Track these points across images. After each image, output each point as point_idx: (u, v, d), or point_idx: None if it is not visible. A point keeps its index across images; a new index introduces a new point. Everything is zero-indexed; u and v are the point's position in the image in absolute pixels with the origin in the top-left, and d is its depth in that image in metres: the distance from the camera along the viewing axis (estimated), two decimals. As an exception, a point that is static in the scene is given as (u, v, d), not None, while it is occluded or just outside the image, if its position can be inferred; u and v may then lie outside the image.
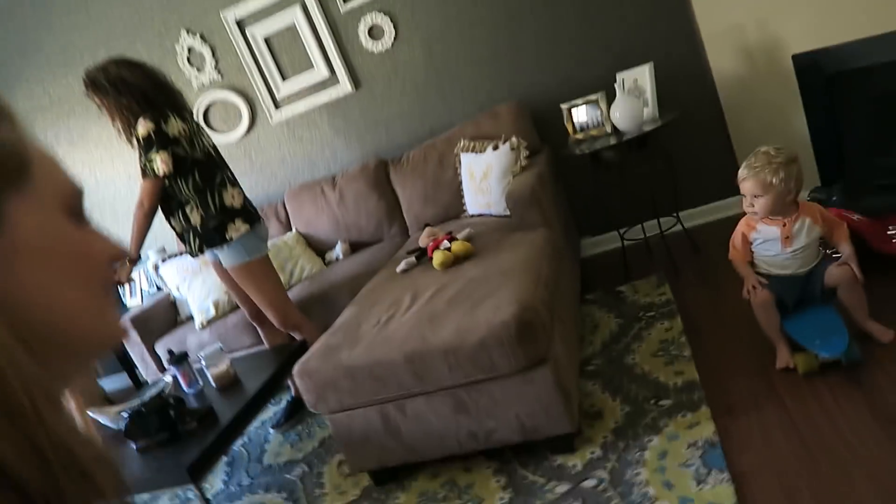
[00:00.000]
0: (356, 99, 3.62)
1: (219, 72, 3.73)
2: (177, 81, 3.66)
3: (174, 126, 2.43)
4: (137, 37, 3.73)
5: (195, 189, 2.49)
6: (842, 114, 2.69)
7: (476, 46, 3.38)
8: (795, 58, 2.70)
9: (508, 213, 2.67)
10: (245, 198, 2.64)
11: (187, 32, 3.67)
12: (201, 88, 3.78)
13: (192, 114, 2.62)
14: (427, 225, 2.95)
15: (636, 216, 3.35)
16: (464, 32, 3.37)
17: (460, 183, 3.18)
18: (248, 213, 2.61)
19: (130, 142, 2.47)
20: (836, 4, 2.61)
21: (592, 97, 3.04)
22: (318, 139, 3.75)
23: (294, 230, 3.58)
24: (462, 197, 3.18)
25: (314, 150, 3.79)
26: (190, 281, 3.38)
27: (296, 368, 2.09)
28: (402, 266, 2.62)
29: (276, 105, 3.71)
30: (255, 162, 3.88)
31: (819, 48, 2.60)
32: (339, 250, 3.44)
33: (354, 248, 3.49)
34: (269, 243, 3.08)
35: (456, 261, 2.45)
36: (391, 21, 3.42)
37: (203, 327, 3.22)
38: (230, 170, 2.67)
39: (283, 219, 3.66)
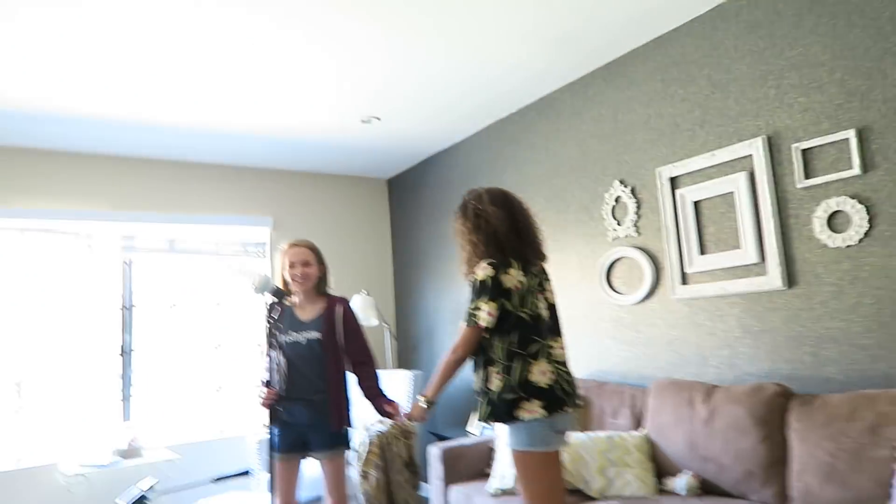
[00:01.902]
0: (785, 298, 2.69)
1: (636, 228, 3.36)
2: (594, 228, 3.57)
3: (512, 278, 2.19)
4: (576, 177, 3.72)
5: (505, 352, 2.18)
6: None
7: None
8: None
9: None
10: (559, 378, 2.18)
11: (620, 183, 3.44)
12: (615, 241, 3.47)
13: (541, 269, 2.34)
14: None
15: None
16: None
17: (878, 466, 1.95)
18: (553, 397, 2.14)
19: (465, 277, 2.34)
20: None
21: None
22: (719, 333, 2.94)
23: (644, 431, 2.85)
24: (891, 500, 1.94)
25: (709, 345, 2.98)
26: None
27: None
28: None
29: (684, 280, 3.09)
30: (641, 334, 3.31)
31: None
32: (682, 482, 2.55)
33: (706, 488, 2.54)
34: (609, 433, 2.61)
35: None
36: (865, 209, 2.43)
37: (497, 495, 2.81)
38: (557, 341, 2.26)
39: (637, 412, 2.97)
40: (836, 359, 2.50)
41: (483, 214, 2.29)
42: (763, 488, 2.36)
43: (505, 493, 2.82)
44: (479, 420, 2.27)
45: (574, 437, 2.81)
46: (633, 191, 3.38)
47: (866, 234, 2.44)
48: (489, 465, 3.25)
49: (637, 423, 2.95)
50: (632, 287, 3.37)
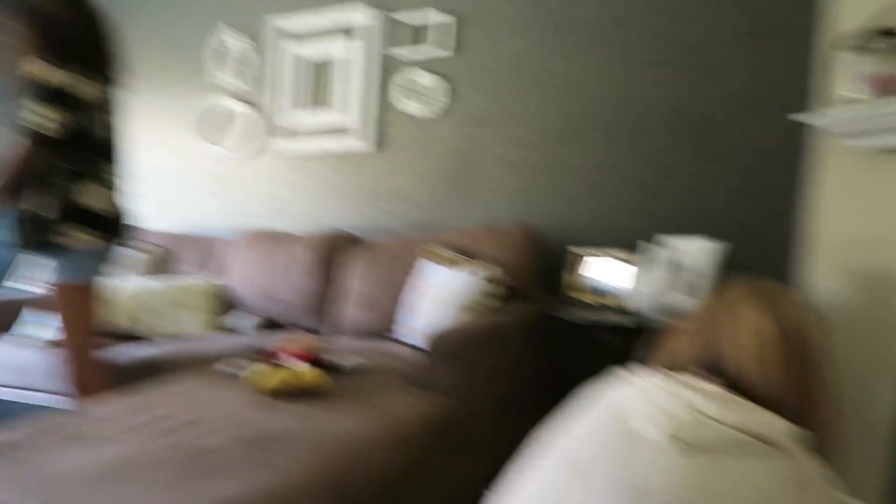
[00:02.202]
0: (372, 161, 2.86)
1: (241, 78, 3.16)
2: (196, 74, 3.25)
3: (83, 89, 1.80)
4: (184, 14, 3.34)
5: (60, 171, 1.80)
6: None
7: (518, 148, 2.55)
8: None
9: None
10: (115, 206, 1.91)
11: (229, 27, 3.19)
12: (217, 90, 3.23)
13: (112, 89, 1.97)
14: (303, 330, 2.02)
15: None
16: (515, 131, 2.55)
17: (404, 293, 2.25)
18: (108, 225, 1.86)
19: (16, 78, 1.85)
20: None
21: (621, 254, 2.02)
22: (313, 190, 3.00)
23: (213, 281, 2.75)
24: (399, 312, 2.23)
25: (302, 200, 3.02)
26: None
27: None
28: (225, 366, 1.69)
29: (284, 136, 3.05)
30: (236, 187, 3.19)
31: None
32: (244, 320, 2.54)
33: (273, 326, 2.59)
34: (175, 281, 2.49)
35: (292, 393, 1.48)
36: (449, 89, 2.69)
37: (44, 346, 2.37)
38: (119, 166, 1.97)
39: (221, 262, 2.86)
40: (403, 213, 2.78)
41: (50, 15, 1.84)
42: (321, 320, 2.51)
43: (52, 343, 2.41)
44: (21, 249, 1.85)
45: (142, 281, 2.56)
46: (241, 39, 3.16)
47: (445, 110, 2.70)
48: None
49: (220, 271, 2.83)
50: (230, 140, 3.20)
